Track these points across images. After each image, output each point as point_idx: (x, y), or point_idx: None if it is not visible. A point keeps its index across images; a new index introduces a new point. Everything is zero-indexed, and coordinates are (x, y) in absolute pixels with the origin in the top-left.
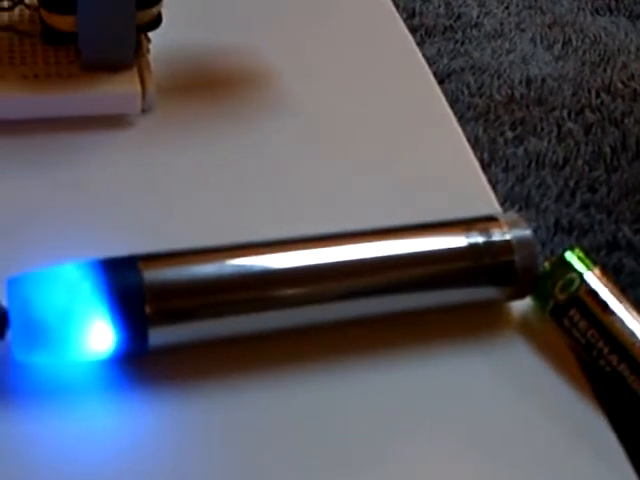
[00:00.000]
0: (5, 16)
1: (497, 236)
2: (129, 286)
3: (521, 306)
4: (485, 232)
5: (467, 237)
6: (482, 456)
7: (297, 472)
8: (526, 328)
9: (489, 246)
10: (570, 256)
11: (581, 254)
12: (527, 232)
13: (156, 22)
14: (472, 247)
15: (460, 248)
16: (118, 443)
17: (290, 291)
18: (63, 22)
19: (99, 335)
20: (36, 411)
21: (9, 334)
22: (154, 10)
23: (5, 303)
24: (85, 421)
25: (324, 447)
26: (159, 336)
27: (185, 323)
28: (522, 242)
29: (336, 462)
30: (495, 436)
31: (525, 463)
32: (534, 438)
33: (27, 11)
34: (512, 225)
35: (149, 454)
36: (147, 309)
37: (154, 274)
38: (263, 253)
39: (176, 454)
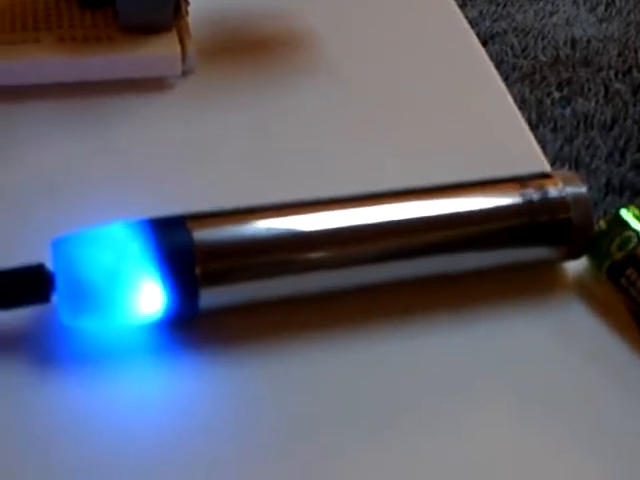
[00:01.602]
0: None
1: (553, 193)
2: (179, 246)
3: (576, 266)
4: (540, 189)
5: (522, 194)
6: (538, 419)
7: (347, 432)
8: (582, 289)
9: (545, 203)
10: (626, 214)
11: (637, 212)
12: (582, 189)
13: None
14: (528, 204)
15: (515, 205)
16: (169, 408)
17: (342, 250)
18: None
19: (148, 297)
20: (84, 377)
21: (55, 297)
22: None
23: (50, 265)
24: (135, 386)
25: (375, 409)
26: (210, 297)
27: (236, 284)
28: (578, 199)
29: (385, 425)
30: (551, 398)
31: (582, 425)
32: (591, 399)
33: None
34: (567, 182)
35: (201, 418)
36: (197, 269)
37: (203, 234)
38: (312, 212)
39: (228, 417)
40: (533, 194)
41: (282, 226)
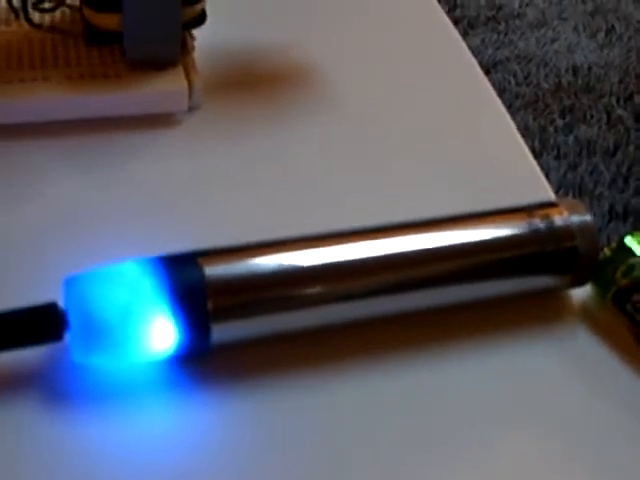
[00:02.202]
0: (47, 17)
1: (558, 222)
2: (190, 282)
3: (581, 293)
4: (546, 218)
5: (529, 224)
6: (545, 443)
7: (368, 465)
8: (587, 315)
9: (551, 232)
10: (630, 241)
11: None
12: (587, 217)
13: (200, 19)
14: (534, 234)
15: (522, 235)
16: (182, 444)
17: (353, 283)
18: (107, 21)
19: (160, 333)
20: (97, 414)
21: (67, 335)
22: (198, 7)
23: (62, 303)
24: (147, 422)
25: (391, 441)
26: (221, 332)
27: (247, 318)
28: (583, 227)
29: (401, 456)
30: (559, 425)
31: (588, 449)
32: (598, 425)
33: (68, 11)
34: (572, 210)
35: (214, 455)
36: (209, 305)
37: (214, 269)
38: (321, 246)
39: (242, 453)
40: (539, 223)
41: (292, 260)
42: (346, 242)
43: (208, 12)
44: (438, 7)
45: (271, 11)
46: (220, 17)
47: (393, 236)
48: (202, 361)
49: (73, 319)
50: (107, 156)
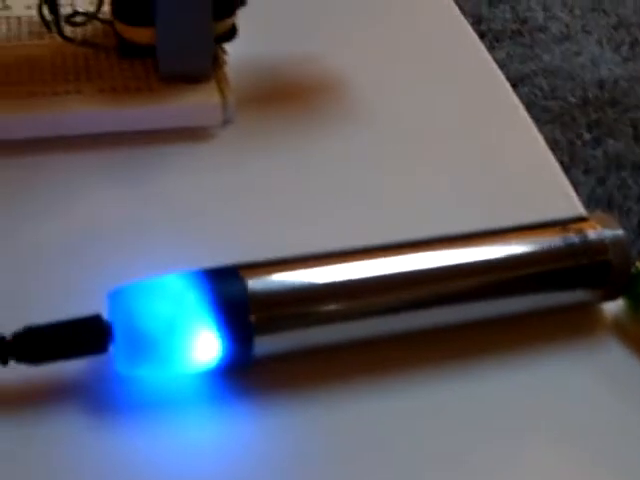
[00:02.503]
0: (79, 31)
1: (592, 236)
2: (233, 295)
3: (613, 307)
4: (580, 232)
5: (564, 238)
6: (580, 457)
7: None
8: (620, 329)
9: (585, 246)
10: None
11: None
12: (619, 231)
13: (231, 33)
14: (569, 248)
15: (558, 249)
16: (225, 455)
17: (393, 296)
18: (140, 35)
19: (204, 346)
20: (141, 425)
21: (112, 347)
22: (229, 21)
23: (106, 315)
24: (191, 434)
25: (429, 454)
26: (264, 345)
27: (290, 331)
28: (616, 242)
29: (438, 470)
30: (592, 439)
31: (622, 464)
32: (632, 439)
33: (100, 25)
34: (604, 225)
35: (256, 467)
36: (252, 317)
37: (257, 282)
38: (362, 259)
39: (284, 466)
40: (574, 238)
41: (333, 274)
42: (386, 256)
43: (239, 26)
44: (464, 21)
45: (301, 24)
46: (250, 31)
47: (427, 250)
48: (245, 373)
49: (118, 331)
50: (142, 170)
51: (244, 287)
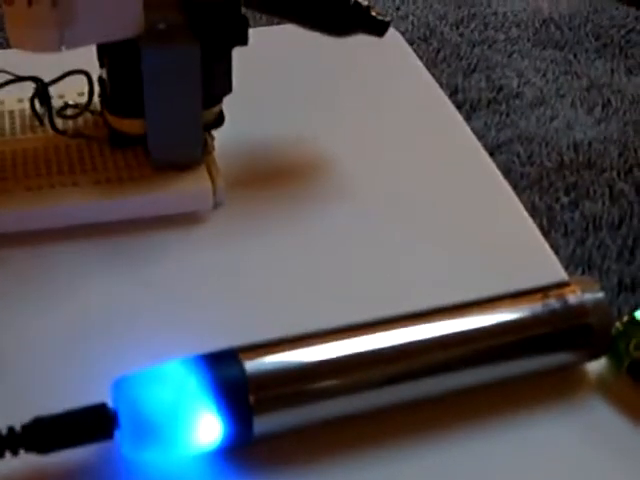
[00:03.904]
0: (71, 124)
1: (572, 300)
2: (232, 378)
3: (597, 366)
4: (561, 297)
5: (544, 304)
6: None
7: None
8: (604, 387)
9: (566, 311)
10: None
11: None
12: (600, 294)
13: (219, 120)
14: (550, 314)
15: (539, 316)
16: None
17: (384, 369)
18: (130, 126)
19: (206, 428)
20: None
21: (117, 433)
22: (216, 109)
23: (111, 404)
24: None
25: None
26: (264, 424)
27: (287, 410)
28: (596, 304)
29: None
30: None
31: None
32: None
33: (91, 116)
34: (585, 288)
35: None
36: (251, 399)
37: (254, 364)
38: (356, 335)
39: None
40: (555, 304)
41: (326, 352)
42: (369, 332)
43: (225, 112)
44: (441, 93)
45: (284, 107)
46: (236, 116)
47: (414, 324)
48: (245, 451)
49: (122, 418)
50: (137, 256)
51: (242, 369)
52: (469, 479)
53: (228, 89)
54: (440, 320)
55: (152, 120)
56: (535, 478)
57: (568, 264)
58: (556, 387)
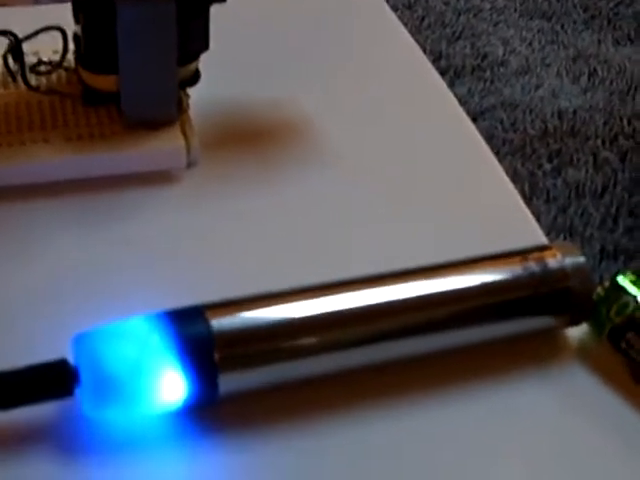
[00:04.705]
0: (44, 80)
1: (552, 264)
2: (197, 335)
3: (577, 332)
4: (540, 261)
5: (524, 267)
6: None
7: None
8: (584, 354)
9: (546, 275)
10: (622, 280)
11: (633, 277)
12: (580, 258)
13: (195, 78)
14: (530, 277)
15: (518, 279)
16: None
17: (356, 330)
18: (104, 82)
19: (170, 386)
20: (108, 466)
21: (78, 390)
22: (192, 66)
23: (72, 359)
24: (159, 474)
25: None
26: (229, 383)
27: (254, 368)
28: (576, 268)
29: None
30: (559, 463)
31: None
32: (598, 462)
33: (65, 73)
34: (565, 252)
35: None
36: (216, 356)
37: (220, 322)
38: (325, 295)
39: None
40: (534, 267)
41: (295, 310)
42: (345, 291)
43: (202, 70)
44: (425, 59)
45: (263, 68)
46: (213, 75)
47: (389, 284)
48: (211, 411)
49: (84, 375)
50: (108, 214)
51: (207, 326)
52: (444, 443)
53: (205, 46)
54: (415, 281)
55: (126, 76)
56: (513, 443)
57: (550, 231)
58: (536, 353)
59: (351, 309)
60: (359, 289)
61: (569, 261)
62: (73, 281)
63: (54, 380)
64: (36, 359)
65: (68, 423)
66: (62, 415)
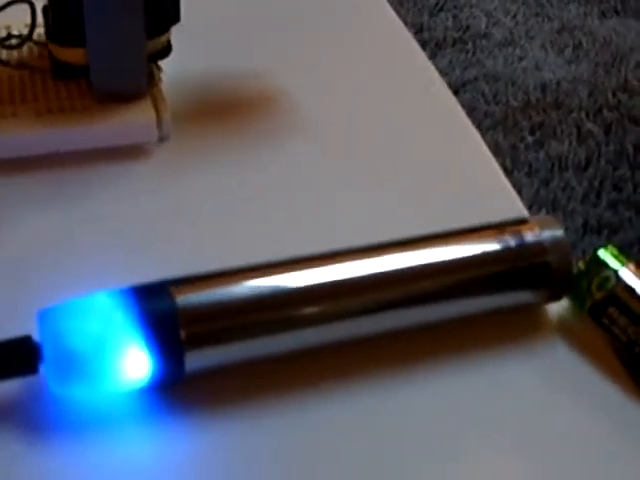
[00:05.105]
0: (14, 54)
1: (530, 238)
2: (163, 311)
3: (558, 307)
4: (517, 234)
5: (500, 241)
6: (527, 459)
7: None
8: (565, 329)
9: (522, 249)
10: (603, 254)
11: (614, 251)
12: (559, 232)
13: (166, 50)
14: (506, 251)
15: (494, 253)
16: (160, 472)
17: (325, 306)
18: (73, 55)
19: (135, 363)
20: (74, 444)
21: (42, 367)
22: (163, 38)
23: (36, 336)
24: (125, 451)
25: (372, 463)
26: (195, 360)
27: (220, 346)
28: (555, 242)
29: (388, 472)
30: (540, 439)
31: (570, 462)
32: (578, 437)
33: (35, 47)
34: (544, 226)
35: None
36: (182, 334)
37: (186, 298)
38: (294, 270)
39: (219, 479)
40: (510, 240)
41: (263, 286)
42: (316, 265)
43: (173, 43)
44: (406, 31)
45: (236, 40)
46: (186, 48)
47: (365, 257)
48: (177, 389)
49: (48, 351)
50: (79, 189)
51: (173, 303)
52: (426, 418)
53: (175, 18)
54: (391, 254)
55: (94, 48)
56: (493, 417)
57: (532, 205)
58: (517, 328)
59: (320, 284)
60: (329, 264)
61: (547, 235)
62: (40, 257)
63: (17, 357)
64: (1, 335)
65: (33, 400)
66: (27, 392)
